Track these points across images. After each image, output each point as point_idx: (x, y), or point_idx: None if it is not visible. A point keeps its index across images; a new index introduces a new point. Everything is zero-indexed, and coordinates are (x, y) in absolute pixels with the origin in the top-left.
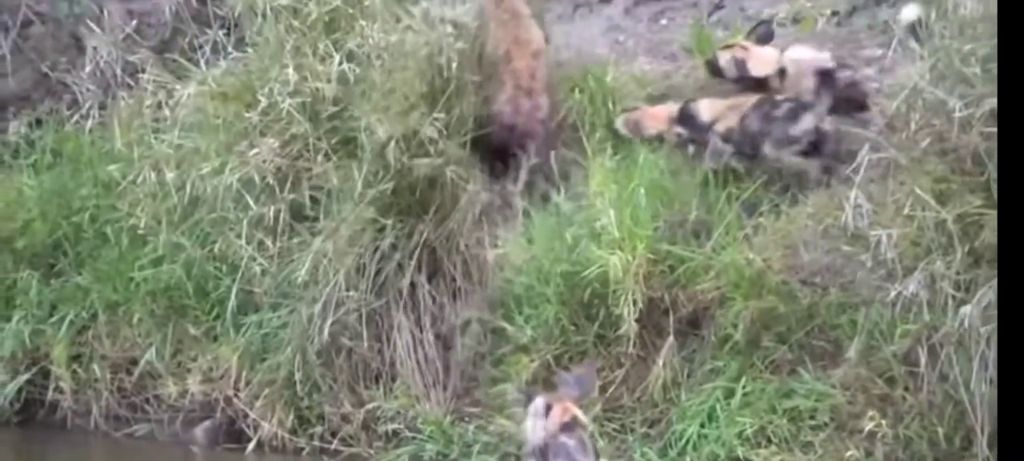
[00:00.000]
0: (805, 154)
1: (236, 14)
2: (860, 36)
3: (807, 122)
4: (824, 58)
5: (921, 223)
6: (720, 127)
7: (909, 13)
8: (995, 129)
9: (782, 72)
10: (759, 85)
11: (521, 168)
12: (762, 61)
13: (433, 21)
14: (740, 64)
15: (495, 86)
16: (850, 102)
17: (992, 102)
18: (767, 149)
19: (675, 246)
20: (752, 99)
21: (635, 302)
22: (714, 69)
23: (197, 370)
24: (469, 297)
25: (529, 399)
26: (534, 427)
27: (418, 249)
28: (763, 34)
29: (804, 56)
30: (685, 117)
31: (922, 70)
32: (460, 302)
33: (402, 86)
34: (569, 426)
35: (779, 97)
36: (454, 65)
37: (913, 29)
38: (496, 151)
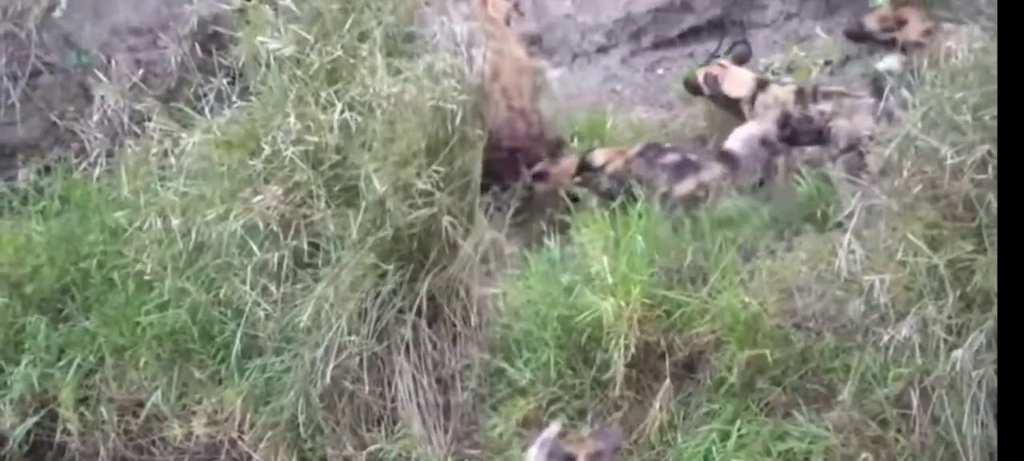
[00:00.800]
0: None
1: (240, 64)
2: (853, 85)
3: (687, 185)
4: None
5: (913, 268)
6: (610, 168)
7: (889, 63)
8: (986, 176)
9: (753, 98)
10: (731, 104)
11: (507, 211)
12: (737, 81)
13: (437, 75)
14: (714, 81)
15: (487, 104)
16: (807, 135)
17: (983, 149)
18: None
19: (671, 291)
20: (639, 146)
21: (627, 347)
22: (692, 87)
23: (202, 413)
24: (469, 341)
25: None
26: (536, 456)
27: (419, 294)
28: (741, 53)
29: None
30: (583, 166)
31: (914, 118)
32: (460, 346)
33: (403, 136)
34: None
35: (665, 145)
36: (458, 118)
37: (885, 78)
38: (491, 175)
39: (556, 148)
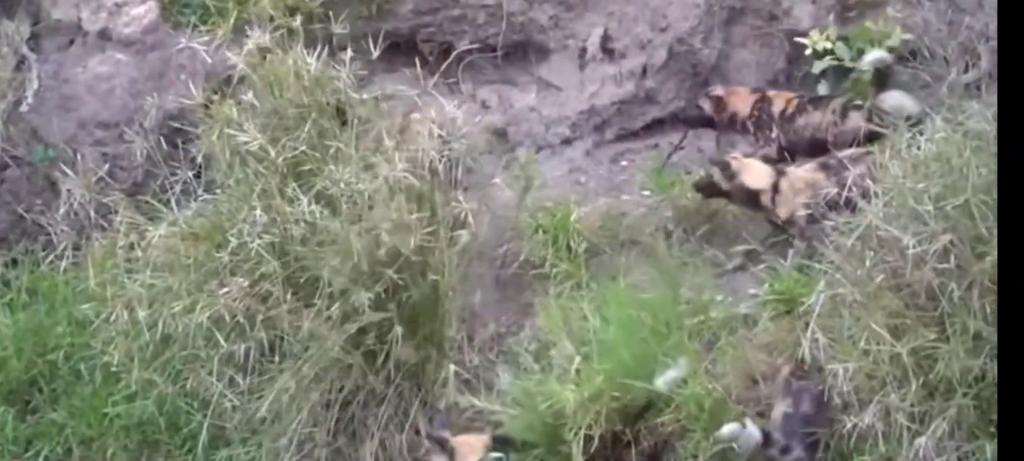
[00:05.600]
0: None
1: (202, 157)
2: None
3: None
4: None
5: (876, 357)
6: None
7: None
8: (948, 265)
9: (775, 187)
10: (751, 197)
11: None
12: (755, 173)
13: (412, 172)
14: (732, 174)
15: None
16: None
17: (945, 239)
18: None
19: (637, 380)
20: None
21: (589, 437)
22: (705, 187)
23: None
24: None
25: None
26: None
27: (383, 386)
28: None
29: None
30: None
31: (876, 208)
32: (424, 438)
33: (370, 232)
34: None
35: None
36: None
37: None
38: None
39: None
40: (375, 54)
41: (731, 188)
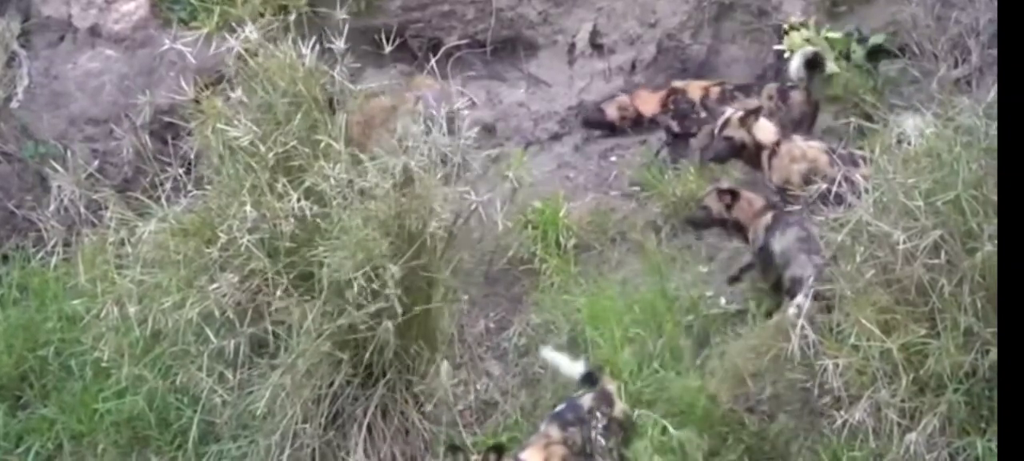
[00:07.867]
0: None
1: (195, 153)
2: None
3: None
4: None
5: (866, 353)
6: None
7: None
8: (938, 261)
9: (775, 149)
10: (757, 153)
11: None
12: (764, 129)
13: (410, 174)
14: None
15: None
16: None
17: (935, 234)
18: None
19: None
20: None
21: None
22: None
23: None
24: (425, 427)
25: None
26: None
27: (374, 382)
28: None
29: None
30: None
31: (866, 203)
32: (414, 434)
33: (366, 230)
34: None
35: None
36: (429, 225)
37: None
38: None
39: None
40: (387, 50)
41: (749, 142)
